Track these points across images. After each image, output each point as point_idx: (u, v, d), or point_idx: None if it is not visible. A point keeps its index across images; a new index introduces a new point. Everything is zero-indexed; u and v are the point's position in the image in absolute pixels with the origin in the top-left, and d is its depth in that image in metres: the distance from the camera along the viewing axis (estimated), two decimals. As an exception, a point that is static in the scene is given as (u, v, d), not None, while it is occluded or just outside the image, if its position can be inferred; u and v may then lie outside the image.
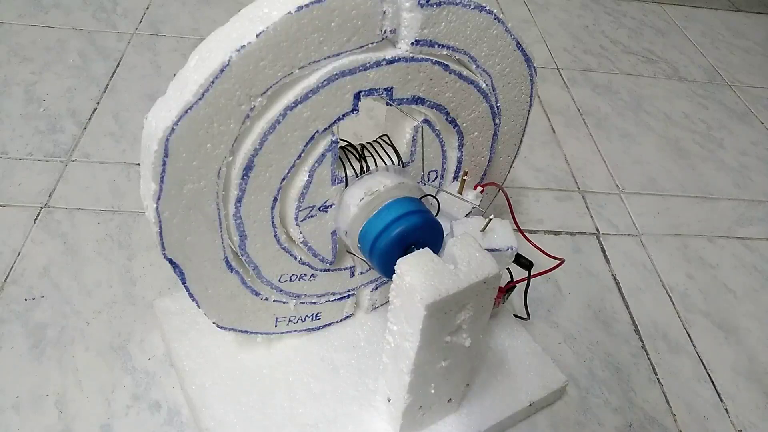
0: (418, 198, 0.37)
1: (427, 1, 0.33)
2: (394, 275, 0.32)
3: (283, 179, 0.35)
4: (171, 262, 0.34)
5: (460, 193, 0.42)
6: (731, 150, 0.78)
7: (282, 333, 0.44)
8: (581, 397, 0.48)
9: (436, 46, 0.35)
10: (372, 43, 0.33)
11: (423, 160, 0.41)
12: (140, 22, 0.82)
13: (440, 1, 0.33)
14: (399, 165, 0.39)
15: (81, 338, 0.46)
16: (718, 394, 0.50)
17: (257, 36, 0.29)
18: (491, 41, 0.37)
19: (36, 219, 0.55)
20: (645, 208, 0.67)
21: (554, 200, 0.66)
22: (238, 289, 0.39)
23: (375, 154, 0.39)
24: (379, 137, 0.41)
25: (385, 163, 0.39)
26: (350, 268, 0.43)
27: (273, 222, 0.37)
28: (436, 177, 0.43)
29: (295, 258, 0.40)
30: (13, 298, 0.48)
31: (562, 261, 0.45)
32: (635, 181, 0.70)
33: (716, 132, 0.81)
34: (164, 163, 0.30)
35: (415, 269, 0.31)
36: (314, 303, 0.43)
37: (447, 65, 0.36)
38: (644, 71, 0.91)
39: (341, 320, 0.47)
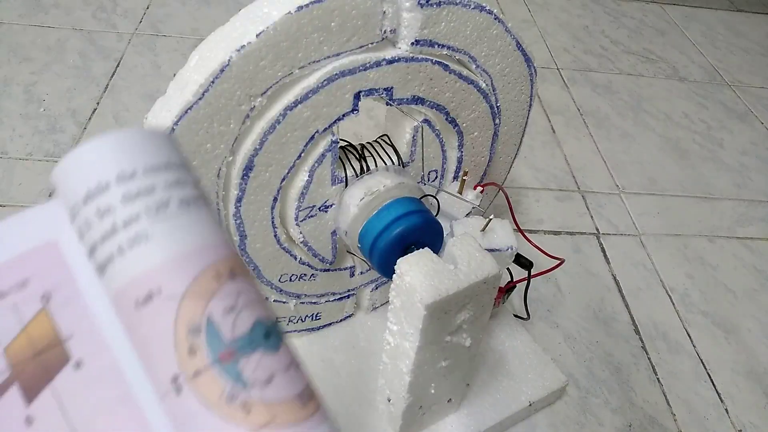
0: (418, 198, 0.37)
1: (427, 1, 0.33)
2: (394, 275, 0.32)
3: (283, 179, 0.35)
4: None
5: (460, 193, 0.42)
6: (731, 150, 0.78)
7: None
8: (581, 397, 0.48)
9: (436, 46, 0.35)
10: (372, 43, 0.33)
11: (423, 160, 0.41)
12: (140, 21, 0.82)
13: (440, 1, 0.33)
14: (399, 165, 0.39)
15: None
16: (718, 394, 0.50)
17: (257, 36, 0.29)
18: (491, 41, 0.37)
19: (36, 219, 0.55)
20: (645, 208, 0.67)
21: (554, 200, 0.66)
22: (238, 289, 0.39)
23: (375, 154, 0.39)
24: (379, 137, 0.41)
25: (385, 163, 0.39)
26: (350, 268, 0.43)
27: (273, 222, 0.37)
28: (436, 177, 0.43)
29: (295, 258, 0.40)
30: (13, 298, 0.48)
31: (562, 261, 0.45)
32: (635, 181, 0.70)
33: (716, 132, 0.81)
34: (164, 163, 0.30)
35: (414, 269, 0.31)
36: (314, 303, 0.43)
37: (447, 65, 0.36)
38: (644, 71, 0.91)
39: (341, 320, 0.47)
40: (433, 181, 0.43)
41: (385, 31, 0.33)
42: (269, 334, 0.14)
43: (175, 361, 0.13)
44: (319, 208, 0.38)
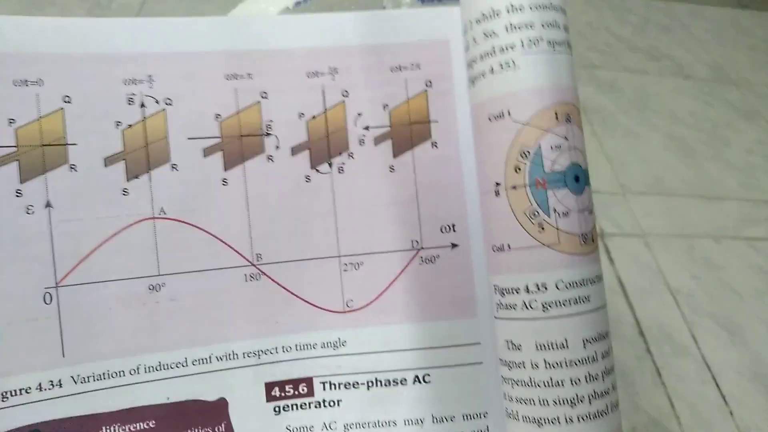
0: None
1: (430, -3, 0.32)
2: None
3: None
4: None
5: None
6: (737, 149, 0.77)
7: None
8: (585, 401, 0.47)
9: (439, 43, 0.34)
10: (373, 40, 0.32)
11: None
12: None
13: (443, -3, 0.32)
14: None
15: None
16: (723, 397, 0.49)
17: (255, 32, 0.28)
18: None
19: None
20: (650, 208, 0.66)
21: (558, 199, 0.65)
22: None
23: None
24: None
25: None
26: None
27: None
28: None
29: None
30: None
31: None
32: (640, 181, 0.70)
33: (722, 131, 0.80)
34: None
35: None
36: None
37: (450, 63, 0.35)
38: (649, 69, 0.90)
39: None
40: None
41: (386, 28, 0.32)
42: (578, 179, 0.17)
43: (503, 172, 0.17)
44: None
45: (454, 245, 0.19)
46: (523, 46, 0.17)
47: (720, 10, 1.10)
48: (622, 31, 0.98)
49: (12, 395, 0.16)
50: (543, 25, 0.17)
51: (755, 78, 0.92)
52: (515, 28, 0.17)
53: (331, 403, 0.18)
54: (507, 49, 0.17)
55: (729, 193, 0.70)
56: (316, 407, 0.18)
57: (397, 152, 0.19)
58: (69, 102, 0.17)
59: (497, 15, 0.17)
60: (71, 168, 0.17)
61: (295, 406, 0.18)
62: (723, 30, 1.04)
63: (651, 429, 0.46)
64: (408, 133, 0.19)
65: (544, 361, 0.16)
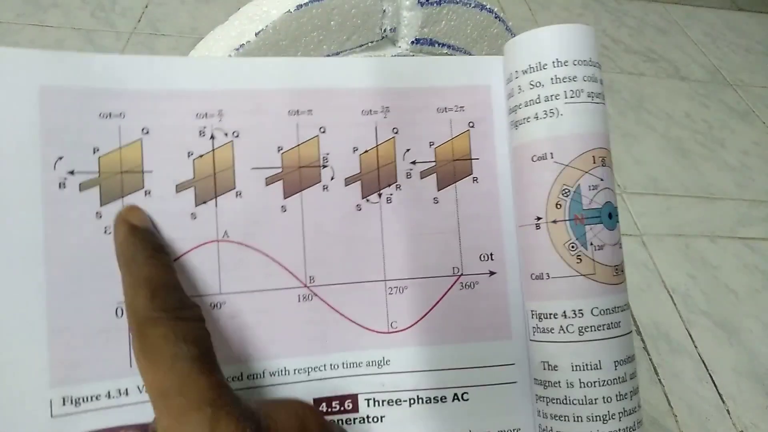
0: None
1: (427, 0, 0.32)
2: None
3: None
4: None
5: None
6: (733, 150, 0.78)
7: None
8: (582, 398, 0.47)
9: (437, 45, 0.35)
10: (372, 42, 0.33)
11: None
12: (139, 21, 0.82)
13: (440, 0, 0.33)
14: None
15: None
16: (720, 395, 0.50)
17: (256, 35, 0.29)
18: (491, 40, 0.37)
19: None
20: (646, 208, 0.67)
21: (555, 200, 0.66)
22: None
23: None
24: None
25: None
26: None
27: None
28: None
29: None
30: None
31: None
32: (637, 181, 0.70)
33: (718, 132, 0.81)
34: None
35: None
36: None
37: (447, 64, 0.36)
38: (646, 70, 0.91)
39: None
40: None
41: (384, 30, 0.33)
42: (611, 216, 0.18)
43: (544, 207, 0.18)
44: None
45: (492, 272, 0.20)
46: (566, 96, 0.18)
47: (716, 12, 1.11)
48: (619, 34, 0.99)
49: (84, 401, 0.17)
50: (584, 79, 0.18)
51: (751, 79, 0.93)
52: (560, 80, 0.18)
53: (375, 419, 0.19)
54: (551, 98, 0.18)
55: (725, 193, 0.71)
56: (360, 423, 0.19)
57: (441, 186, 0.20)
58: (147, 133, 0.18)
59: (543, 68, 0.19)
60: (146, 193, 0.18)
61: (340, 422, 0.19)
62: (719, 32, 1.05)
63: (648, 427, 0.46)
64: (451, 168, 0.20)
65: (579, 380, 0.17)
